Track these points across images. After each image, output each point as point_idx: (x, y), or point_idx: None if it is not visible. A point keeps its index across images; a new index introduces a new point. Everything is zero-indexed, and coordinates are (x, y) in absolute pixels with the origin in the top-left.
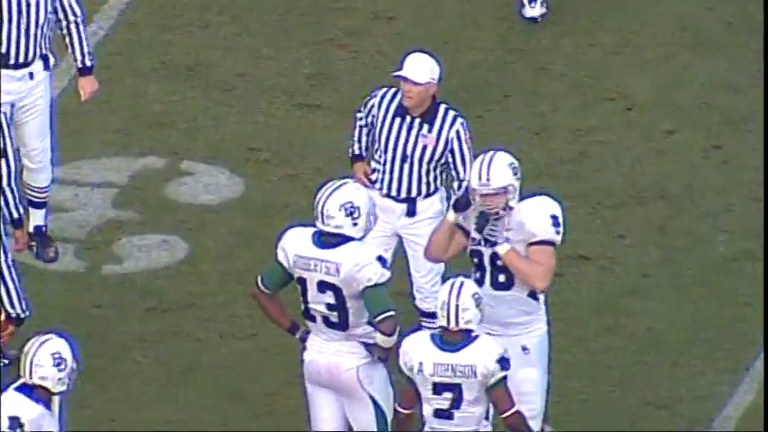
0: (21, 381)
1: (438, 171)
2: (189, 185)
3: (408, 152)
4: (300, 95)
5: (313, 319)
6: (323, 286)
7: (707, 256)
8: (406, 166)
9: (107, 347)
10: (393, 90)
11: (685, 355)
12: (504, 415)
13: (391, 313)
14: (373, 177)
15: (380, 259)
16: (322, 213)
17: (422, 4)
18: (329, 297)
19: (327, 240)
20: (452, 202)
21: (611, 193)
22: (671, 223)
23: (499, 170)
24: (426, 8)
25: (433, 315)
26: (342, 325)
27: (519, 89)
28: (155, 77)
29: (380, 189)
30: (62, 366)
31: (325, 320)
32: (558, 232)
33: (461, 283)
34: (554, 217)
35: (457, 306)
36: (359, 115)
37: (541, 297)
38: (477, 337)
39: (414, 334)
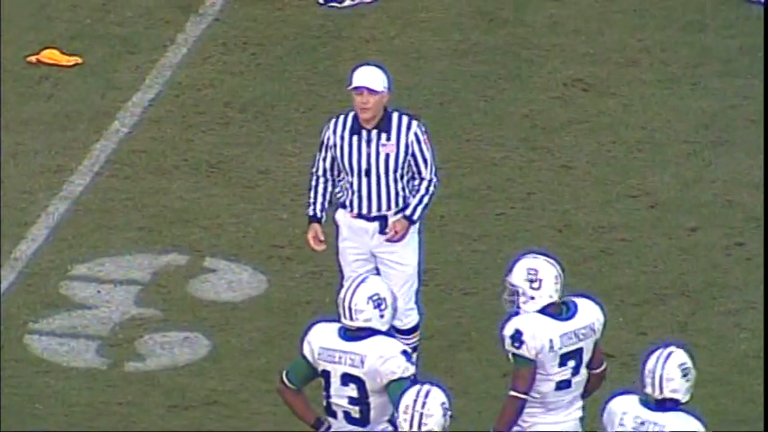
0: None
1: (404, 181)
2: (212, 282)
3: (372, 165)
4: None
5: (334, 414)
6: (346, 379)
7: (728, 353)
8: (373, 181)
9: None
10: (342, 115)
11: None
12: (599, 369)
13: None
14: (342, 199)
15: (405, 353)
16: (350, 309)
17: (445, 101)
18: (352, 390)
19: (353, 334)
20: None
21: (634, 290)
22: (692, 321)
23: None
24: (449, 105)
25: (407, 332)
26: (363, 421)
27: (542, 187)
28: (177, 174)
29: (351, 211)
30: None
31: (347, 416)
32: None
33: (552, 261)
34: None
35: (564, 277)
36: (314, 171)
37: None
38: (573, 300)
39: (524, 316)
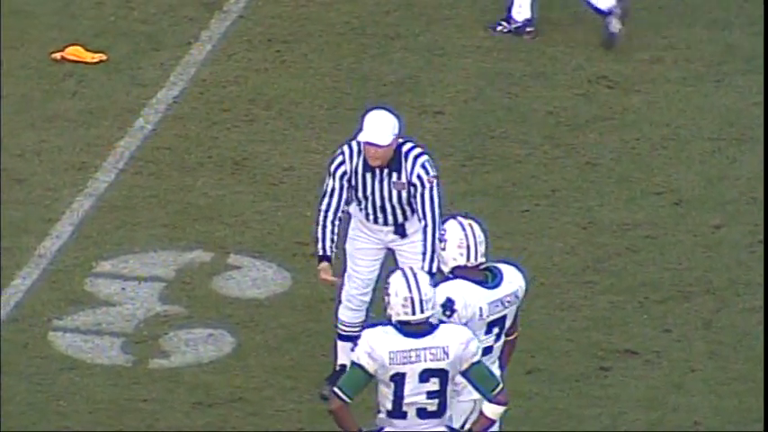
0: None
1: None
2: (236, 279)
3: (386, 201)
4: None
5: (404, 415)
6: (427, 374)
7: (753, 351)
8: (388, 209)
9: None
10: (355, 144)
11: None
12: (512, 336)
13: (502, 384)
14: (359, 208)
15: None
16: (421, 301)
17: (469, 98)
18: (433, 384)
19: (418, 329)
20: None
21: (658, 287)
22: (717, 318)
23: None
24: (473, 102)
25: None
26: (439, 412)
27: (566, 184)
28: (202, 171)
29: (366, 219)
30: None
31: (420, 412)
32: None
33: (471, 223)
34: None
35: (475, 242)
36: (324, 209)
37: None
38: (497, 267)
39: (454, 284)
